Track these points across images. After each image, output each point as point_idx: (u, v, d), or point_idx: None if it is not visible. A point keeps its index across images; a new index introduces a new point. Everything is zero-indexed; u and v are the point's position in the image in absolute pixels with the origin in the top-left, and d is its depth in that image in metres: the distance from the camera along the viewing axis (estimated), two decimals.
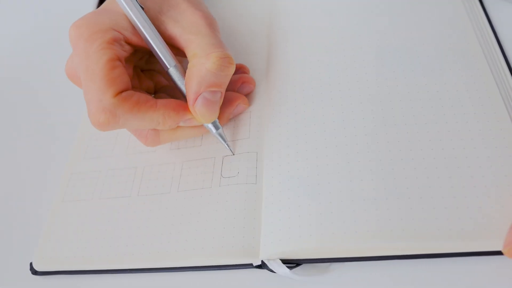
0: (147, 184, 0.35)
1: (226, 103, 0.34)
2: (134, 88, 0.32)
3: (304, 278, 0.29)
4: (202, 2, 0.35)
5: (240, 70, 0.37)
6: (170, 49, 0.33)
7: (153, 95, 0.37)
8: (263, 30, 0.41)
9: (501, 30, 0.36)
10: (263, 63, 0.38)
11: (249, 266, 0.30)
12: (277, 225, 0.30)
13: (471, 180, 0.28)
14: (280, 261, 0.29)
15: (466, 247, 0.27)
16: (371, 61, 0.35)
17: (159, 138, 0.34)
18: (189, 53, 0.32)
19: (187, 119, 0.32)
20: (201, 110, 0.31)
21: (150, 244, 0.31)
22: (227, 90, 0.34)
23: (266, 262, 0.29)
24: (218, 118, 0.33)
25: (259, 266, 0.29)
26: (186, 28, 0.32)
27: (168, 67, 0.32)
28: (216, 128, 0.33)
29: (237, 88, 0.36)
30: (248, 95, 0.37)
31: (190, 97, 0.32)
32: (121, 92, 0.30)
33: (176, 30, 0.32)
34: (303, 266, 0.30)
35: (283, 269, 0.29)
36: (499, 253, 0.26)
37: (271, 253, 0.29)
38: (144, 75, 0.36)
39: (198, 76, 0.31)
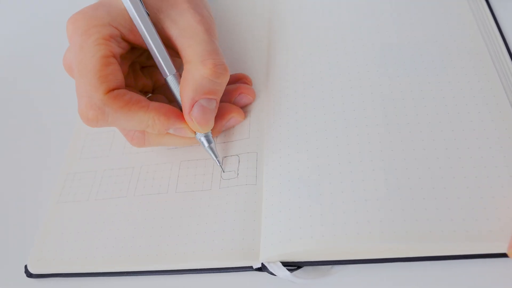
0: (144, 184, 0.34)
1: (218, 115, 0.33)
2: (128, 86, 0.32)
3: (305, 281, 0.29)
4: (205, 3, 0.34)
5: (241, 80, 0.36)
6: (166, 50, 0.32)
7: (150, 94, 0.36)
8: (264, 27, 0.41)
9: (507, 28, 0.35)
10: (263, 61, 0.38)
11: (249, 268, 0.29)
12: (278, 226, 0.29)
13: (476, 181, 0.28)
14: (281, 264, 0.29)
15: (470, 249, 0.27)
16: (374, 59, 0.35)
17: (144, 140, 0.33)
18: (184, 57, 0.32)
19: (177, 128, 0.32)
20: (197, 118, 0.31)
21: (148, 246, 0.31)
22: (221, 101, 0.33)
23: (266, 264, 0.29)
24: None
25: (259, 269, 0.29)
26: (183, 31, 0.32)
27: (168, 74, 0.32)
28: (209, 142, 0.32)
29: (233, 99, 0.35)
30: (245, 107, 0.36)
31: (186, 103, 0.31)
32: (113, 89, 0.30)
33: (173, 31, 0.32)
34: (304, 269, 0.29)
35: (283, 271, 0.28)
36: (504, 255, 0.26)
37: (271, 255, 0.29)
38: (142, 72, 0.36)
39: (194, 82, 0.31)
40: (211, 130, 0.33)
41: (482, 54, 0.33)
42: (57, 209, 0.35)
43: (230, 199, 0.31)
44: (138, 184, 0.34)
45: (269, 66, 0.38)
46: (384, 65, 0.34)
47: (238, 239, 0.30)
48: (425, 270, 0.28)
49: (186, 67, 0.31)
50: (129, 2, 0.31)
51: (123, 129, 0.34)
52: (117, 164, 0.36)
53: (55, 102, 0.43)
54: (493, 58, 0.33)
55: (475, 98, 0.31)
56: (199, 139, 0.33)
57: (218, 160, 0.33)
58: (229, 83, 0.33)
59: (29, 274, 0.33)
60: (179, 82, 0.32)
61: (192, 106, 0.31)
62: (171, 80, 0.32)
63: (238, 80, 0.36)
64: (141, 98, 0.31)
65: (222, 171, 0.33)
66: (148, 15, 0.32)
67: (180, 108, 0.32)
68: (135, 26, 0.32)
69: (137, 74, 0.35)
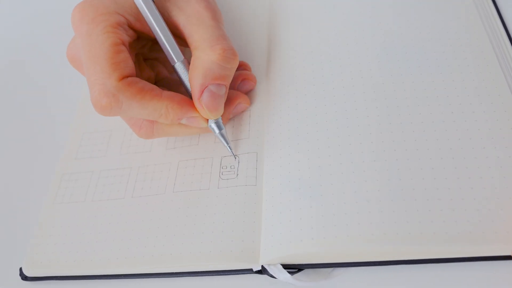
0: (141, 185, 0.34)
1: (225, 102, 0.33)
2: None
3: (306, 284, 0.28)
4: None
5: (241, 67, 0.37)
6: (174, 38, 0.32)
7: None
8: (264, 24, 0.40)
9: None
10: (263, 59, 0.38)
11: (249, 271, 0.29)
12: (278, 228, 0.29)
13: (481, 182, 0.28)
14: (281, 266, 0.28)
15: (474, 252, 0.26)
16: (376, 57, 0.34)
17: (153, 130, 0.33)
18: (192, 44, 0.32)
19: (190, 117, 0.32)
20: (207, 104, 0.31)
21: (144, 247, 0.31)
22: None
23: (266, 267, 0.28)
24: None
25: (259, 271, 0.29)
26: (190, 18, 0.32)
27: (176, 61, 0.32)
28: (219, 128, 0.32)
29: (237, 86, 0.35)
30: (249, 93, 0.36)
31: (195, 89, 0.31)
32: (126, 77, 0.30)
33: (180, 18, 0.32)
34: (305, 271, 0.29)
35: (284, 274, 0.28)
36: (509, 258, 0.26)
37: (272, 257, 0.28)
38: (145, 64, 0.36)
39: (203, 68, 0.31)
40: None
41: (487, 52, 0.33)
42: (53, 211, 0.34)
43: (229, 200, 0.31)
44: (136, 185, 0.34)
45: (269, 64, 0.37)
46: (387, 63, 0.34)
47: (238, 241, 0.29)
48: (428, 273, 0.27)
49: (195, 53, 0.31)
50: None
51: (129, 119, 0.34)
52: (114, 164, 0.36)
53: (50, 100, 0.43)
54: (498, 56, 0.33)
55: (479, 97, 0.31)
56: (210, 125, 0.32)
57: (229, 146, 0.33)
58: None
59: (24, 277, 0.32)
60: (187, 69, 0.32)
61: (202, 92, 0.31)
62: (179, 66, 0.32)
63: (238, 68, 0.36)
64: (154, 86, 0.31)
65: (234, 157, 0.33)
66: (154, 2, 0.32)
67: (190, 96, 0.32)
68: (141, 14, 0.32)
69: (142, 65, 0.35)
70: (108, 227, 0.32)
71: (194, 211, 0.31)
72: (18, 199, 0.37)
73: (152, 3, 0.31)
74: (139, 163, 0.35)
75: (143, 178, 0.34)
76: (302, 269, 0.29)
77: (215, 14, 0.32)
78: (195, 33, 0.31)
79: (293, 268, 0.29)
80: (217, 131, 0.32)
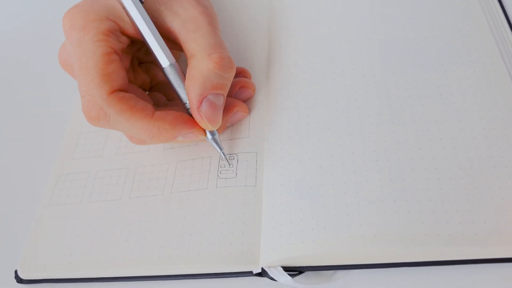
0: (139, 186, 0.34)
1: (223, 110, 0.32)
2: (128, 81, 0.31)
3: (307, 287, 0.28)
4: None
5: (241, 74, 0.36)
6: (167, 43, 0.31)
7: (147, 92, 0.36)
8: (264, 23, 0.40)
9: None
10: (263, 58, 0.38)
11: (249, 274, 0.29)
12: (278, 230, 0.29)
13: (485, 182, 0.27)
14: (282, 269, 0.28)
15: (479, 254, 0.26)
16: (378, 55, 0.34)
17: (145, 140, 0.32)
18: (188, 51, 0.31)
19: (186, 134, 0.31)
20: (207, 114, 0.30)
21: (141, 249, 0.30)
22: None
23: (266, 269, 0.28)
24: None
25: (259, 274, 0.29)
26: (186, 23, 0.31)
27: (163, 66, 0.31)
28: (212, 134, 0.32)
29: (234, 93, 0.35)
30: (247, 101, 0.35)
31: (194, 100, 0.30)
32: (117, 90, 0.29)
33: (174, 24, 0.31)
34: (306, 274, 0.29)
35: (284, 277, 0.28)
36: None
37: (272, 260, 0.28)
38: (140, 68, 0.35)
39: (201, 77, 0.30)
40: None
41: (491, 50, 0.33)
42: (48, 212, 0.34)
43: (229, 201, 0.31)
44: (133, 185, 0.34)
45: (270, 62, 0.37)
46: (389, 61, 0.33)
47: (237, 243, 0.29)
48: (432, 275, 0.27)
49: (191, 61, 0.31)
50: None
51: None
52: (111, 165, 0.35)
53: (46, 100, 0.43)
54: (502, 54, 0.33)
55: (484, 95, 0.30)
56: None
57: (223, 153, 0.32)
58: None
59: (19, 280, 0.32)
60: (178, 73, 0.31)
61: (201, 102, 0.30)
62: (168, 71, 0.31)
63: (237, 74, 0.35)
64: (147, 105, 0.30)
65: (228, 164, 0.32)
66: (142, 3, 0.31)
67: (180, 100, 0.31)
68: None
69: (136, 69, 0.35)
70: (104, 229, 0.32)
71: (192, 212, 0.31)
72: (13, 200, 0.37)
73: (139, 4, 0.30)
74: (137, 164, 0.35)
75: (140, 179, 0.34)
76: (303, 272, 0.29)
77: (212, 20, 0.31)
78: (192, 41, 0.30)
79: (294, 271, 0.28)
80: (210, 136, 0.32)
